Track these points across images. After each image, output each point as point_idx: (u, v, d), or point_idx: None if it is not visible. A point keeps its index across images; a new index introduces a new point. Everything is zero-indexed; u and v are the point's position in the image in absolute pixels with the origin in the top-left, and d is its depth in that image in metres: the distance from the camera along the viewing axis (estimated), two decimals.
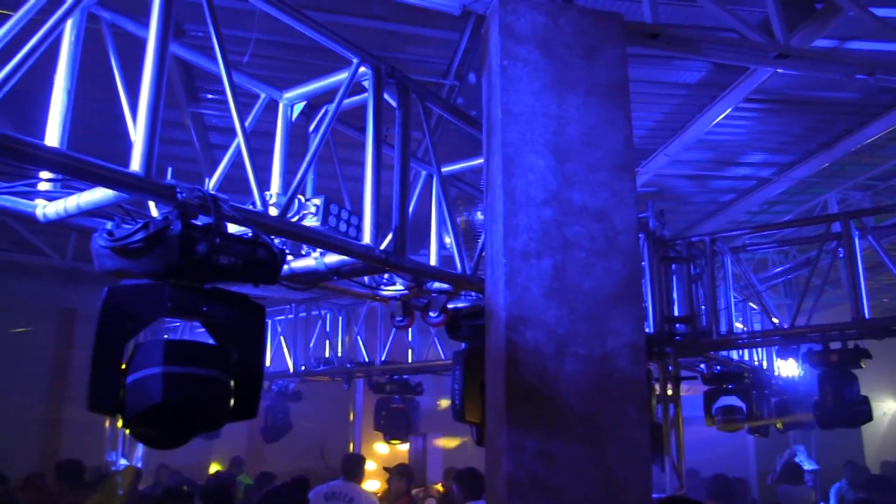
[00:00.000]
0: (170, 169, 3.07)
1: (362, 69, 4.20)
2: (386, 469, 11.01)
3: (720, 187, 10.91)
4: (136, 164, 2.89)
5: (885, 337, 7.49)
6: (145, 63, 2.97)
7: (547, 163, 3.94)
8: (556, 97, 4.08)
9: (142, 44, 3.04)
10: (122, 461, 12.39)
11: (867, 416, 8.03)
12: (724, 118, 8.13)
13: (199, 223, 3.04)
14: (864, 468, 13.37)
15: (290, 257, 4.27)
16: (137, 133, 2.92)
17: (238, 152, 3.76)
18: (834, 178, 10.68)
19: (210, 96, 7.50)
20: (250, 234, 3.26)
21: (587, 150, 4.03)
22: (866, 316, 7.25)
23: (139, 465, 12.34)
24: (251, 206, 3.55)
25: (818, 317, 8.44)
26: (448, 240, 5.19)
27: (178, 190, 2.99)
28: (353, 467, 8.28)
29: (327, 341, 10.76)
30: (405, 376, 10.29)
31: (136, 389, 2.75)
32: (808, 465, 13.19)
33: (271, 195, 3.93)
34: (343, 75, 4.22)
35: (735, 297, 8.84)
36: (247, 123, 4.21)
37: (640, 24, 4.84)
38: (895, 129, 8.74)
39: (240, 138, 3.49)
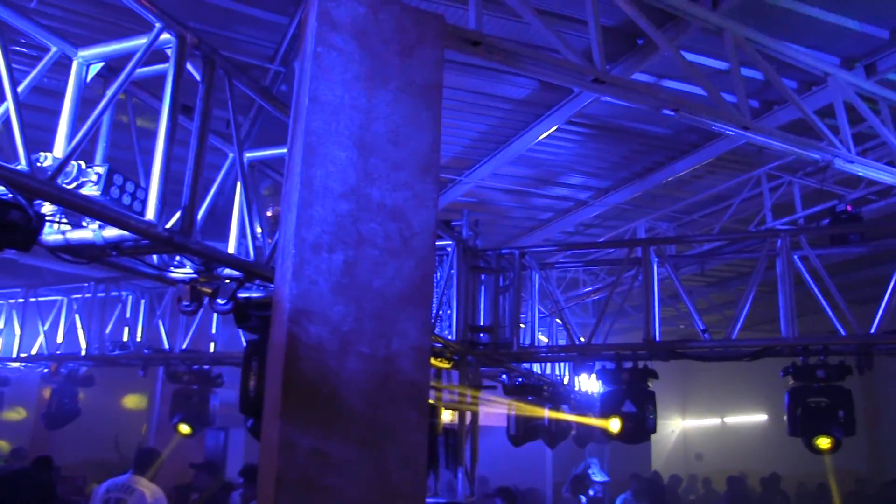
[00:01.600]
0: None
1: (165, 36, 3.94)
2: (192, 465, 10.53)
3: (539, 205, 11.25)
4: None
5: (670, 359, 7.93)
6: None
7: (349, 156, 3.84)
8: (367, 91, 3.99)
9: None
10: None
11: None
12: (546, 137, 8.39)
13: None
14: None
15: (66, 227, 3.94)
16: None
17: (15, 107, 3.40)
18: (644, 207, 11.29)
19: (16, 48, 6.86)
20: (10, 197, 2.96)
21: (392, 148, 3.97)
22: (657, 338, 7.64)
23: None
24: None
25: (619, 337, 8.83)
26: (259, 229, 5.01)
27: None
28: (144, 461, 7.83)
29: (126, 326, 10.11)
30: (206, 367, 9.83)
31: None
32: (599, 477, 13.82)
33: (47, 157, 3.60)
34: (145, 39, 3.94)
35: (541, 312, 9.11)
36: (30, 77, 3.89)
37: (462, 30, 4.86)
38: (700, 166, 9.38)
39: (6, 87, 3.16)
